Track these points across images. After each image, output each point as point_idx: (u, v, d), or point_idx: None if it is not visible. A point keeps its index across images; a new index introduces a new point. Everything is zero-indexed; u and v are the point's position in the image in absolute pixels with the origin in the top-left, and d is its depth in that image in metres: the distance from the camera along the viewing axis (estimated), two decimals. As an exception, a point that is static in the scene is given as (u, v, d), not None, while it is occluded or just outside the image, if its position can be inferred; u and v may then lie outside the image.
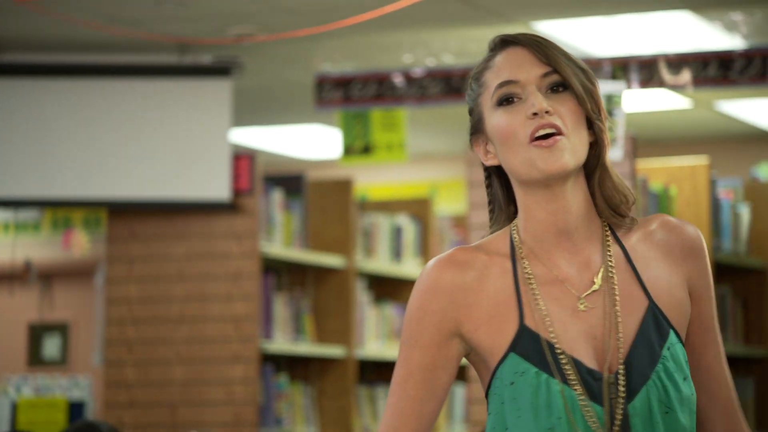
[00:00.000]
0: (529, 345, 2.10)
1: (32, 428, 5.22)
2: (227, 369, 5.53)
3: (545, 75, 2.09)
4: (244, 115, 7.53)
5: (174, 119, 5.65)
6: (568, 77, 2.09)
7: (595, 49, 6.56)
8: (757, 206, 7.05)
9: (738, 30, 6.22)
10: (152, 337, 5.61)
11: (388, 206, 7.10)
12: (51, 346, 5.48)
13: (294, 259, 6.01)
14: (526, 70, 2.10)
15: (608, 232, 2.13)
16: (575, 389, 2.06)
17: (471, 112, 2.17)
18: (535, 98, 2.07)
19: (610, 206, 2.12)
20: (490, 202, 2.21)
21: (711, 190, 6.10)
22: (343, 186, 6.33)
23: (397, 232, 6.91)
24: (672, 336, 2.08)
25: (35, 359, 5.33)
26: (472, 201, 6.63)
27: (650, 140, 8.40)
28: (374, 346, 6.67)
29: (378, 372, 6.99)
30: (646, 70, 5.91)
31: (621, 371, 2.07)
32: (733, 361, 7.12)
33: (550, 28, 6.14)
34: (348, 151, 6.44)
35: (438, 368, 2.13)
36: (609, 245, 2.12)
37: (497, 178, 2.18)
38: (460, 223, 7.41)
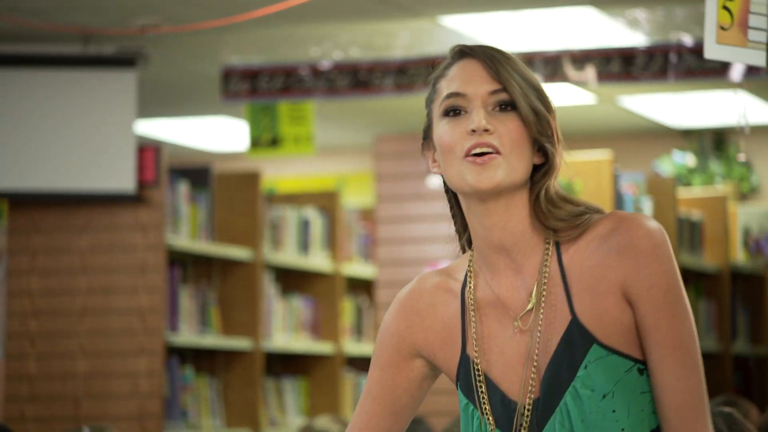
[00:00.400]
0: (466, 375, 2.12)
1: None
2: (132, 361, 5.50)
3: (493, 92, 2.09)
4: (149, 107, 7.47)
5: (78, 110, 5.60)
6: (516, 97, 2.08)
7: (500, 45, 6.60)
8: (658, 200, 7.16)
9: (640, 27, 6.32)
10: (55, 329, 5.55)
11: (295, 199, 7.10)
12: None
13: (200, 252, 5.99)
14: (475, 84, 2.09)
15: (549, 247, 2.10)
16: (489, 420, 2.08)
17: (426, 116, 2.17)
18: (476, 114, 2.06)
19: (547, 223, 2.09)
20: (455, 224, 2.21)
21: (614, 184, 6.19)
22: (250, 178, 6.32)
23: (304, 225, 6.92)
24: (595, 351, 2.04)
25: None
26: (379, 194, 6.66)
27: (555, 135, 8.48)
28: (281, 338, 6.68)
29: (285, 364, 6.99)
30: (551, 66, 5.98)
31: (536, 399, 2.06)
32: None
33: (455, 23, 6.18)
34: (255, 143, 6.43)
35: (397, 387, 2.17)
36: (547, 261, 2.10)
37: (456, 201, 2.18)
38: (367, 216, 7.44)
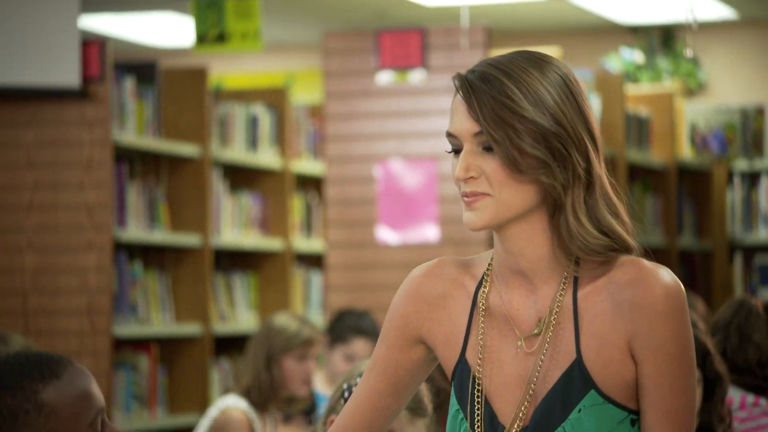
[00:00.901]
0: (462, 379, 2.10)
1: None
2: (80, 257, 5.49)
3: (476, 134, 2.03)
4: (94, 2, 7.37)
5: (20, 4, 5.51)
6: (493, 141, 2.01)
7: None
8: (607, 97, 7.19)
9: None
10: (1, 224, 5.52)
11: (243, 95, 7.05)
12: None
13: (147, 148, 5.95)
14: (461, 125, 2.04)
15: (567, 278, 2.06)
16: None
17: None
18: (459, 162, 2.03)
19: (569, 251, 2.04)
20: None
21: (562, 78, 6.20)
22: (197, 74, 6.27)
23: (252, 122, 6.89)
24: (592, 397, 2.02)
25: None
26: (328, 91, 6.63)
27: (504, 31, 8.47)
28: (230, 234, 6.68)
29: (234, 260, 7.01)
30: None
31: (526, 428, 2.04)
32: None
33: None
34: (201, 39, 6.37)
35: (400, 367, 2.16)
36: (563, 292, 2.06)
37: None
38: (316, 112, 7.41)
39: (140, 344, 6.01)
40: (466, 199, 2.04)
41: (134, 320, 5.85)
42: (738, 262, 8.00)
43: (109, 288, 5.48)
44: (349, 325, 5.55)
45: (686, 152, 8.33)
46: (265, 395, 4.92)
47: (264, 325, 5.10)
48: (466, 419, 2.07)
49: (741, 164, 8.06)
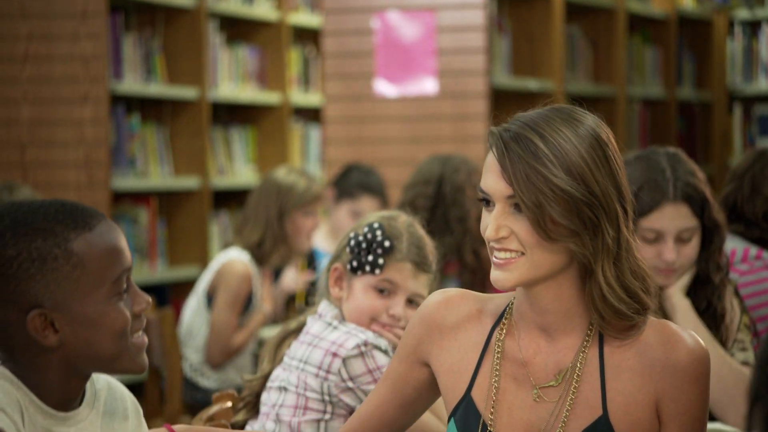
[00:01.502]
0: (467, 417, 2.10)
1: None
2: (76, 109, 5.46)
3: (509, 196, 2.03)
4: None
5: None
6: (524, 207, 2.00)
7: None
8: (607, -56, 7.07)
9: None
10: (-3, 76, 5.48)
11: (238, -54, 6.94)
12: None
13: (142, -2, 5.89)
14: (495, 185, 2.04)
15: (591, 332, 2.07)
16: None
17: None
18: (492, 222, 2.04)
19: (598, 311, 2.05)
20: None
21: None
22: (191, -77, 6.16)
23: (248, -27, 6.79)
24: None
25: None
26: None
27: None
28: (227, 87, 6.64)
29: (231, 114, 6.98)
30: None
31: None
32: (581, 100, 7.27)
33: None
34: None
35: (408, 384, 2.20)
36: (587, 345, 2.07)
37: None
38: (312, -36, 7.30)
39: (139, 197, 6.02)
40: (497, 260, 2.05)
41: (133, 173, 5.85)
42: (737, 112, 7.96)
43: (107, 140, 5.46)
44: (356, 182, 5.56)
45: (687, 1, 8.23)
46: (270, 249, 4.96)
47: (270, 181, 5.10)
48: None
49: (742, 13, 7.96)
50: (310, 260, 5.65)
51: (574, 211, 2.00)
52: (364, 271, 2.71)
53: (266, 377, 2.75)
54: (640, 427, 2.04)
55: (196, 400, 4.90)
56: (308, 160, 7.41)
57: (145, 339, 1.92)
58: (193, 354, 4.96)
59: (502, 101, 6.29)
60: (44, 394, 1.88)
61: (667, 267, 3.05)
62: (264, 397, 2.73)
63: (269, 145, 7.00)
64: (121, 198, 5.91)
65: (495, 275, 2.05)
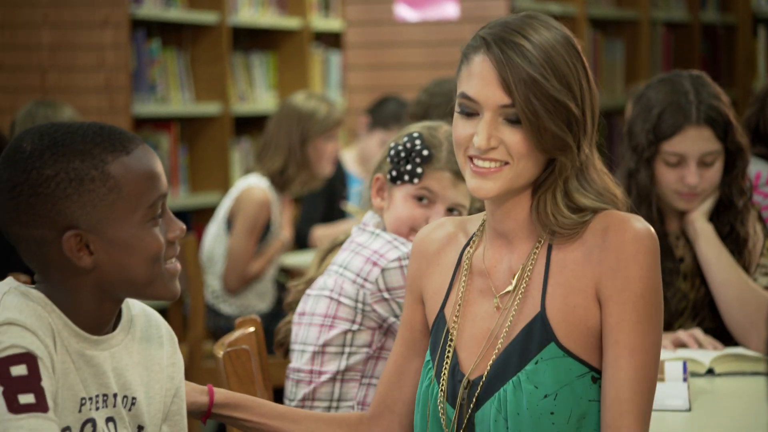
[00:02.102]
0: (437, 333, 2.13)
1: None
2: (97, 33, 5.43)
3: (504, 106, 2.01)
4: None
5: None
6: (525, 118, 2.00)
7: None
8: None
9: None
10: None
11: None
12: None
13: None
14: (488, 93, 2.02)
15: (544, 235, 2.08)
16: (441, 388, 2.09)
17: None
18: (482, 131, 2.01)
19: (549, 226, 2.06)
20: None
21: None
22: None
23: None
24: (551, 349, 2.03)
25: None
26: None
27: None
28: (248, 13, 6.60)
29: (252, 39, 6.95)
30: None
31: (483, 379, 2.06)
32: (604, 24, 7.22)
33: None
34: None
35: (414, 329, 2.20)
36: (537, 249, 2.08)
37: None
38: None
39: (160, 123, 6.01)
40: (478, 169, 2.03)
41: (153, 99, 5.84)
42: (762, 35, 7.88)
43: (127, 66, 5.44)
44: (391, 113, 5.55)
45: (711, -76, 8.12)
46: (292, 175, 4.96)
47: (290, 107, 5.08)
48: (434, 368, 2.11)
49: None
50: (342, 184, 5.65)
51: (565, 123, 2.02)
52: (403, 181, 2.71)
53: (309, 282, 2.77)
54: (575, 315, 2.03)
55: (218, 327, 4.93)
56: (329, 85, 7.38)
57: (178, 266, 1.94)
58: (214, 281, 4.98)
59: (524, 25, 6.23)
60: (77, 317, 1.89)
61: (689, 191, 3.04)
62: (293, 333, 2.74)
63: (290, 71, 6.97)
64: (142, 124, 5.91)
65: (476, 184, 2.04)
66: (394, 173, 2.72)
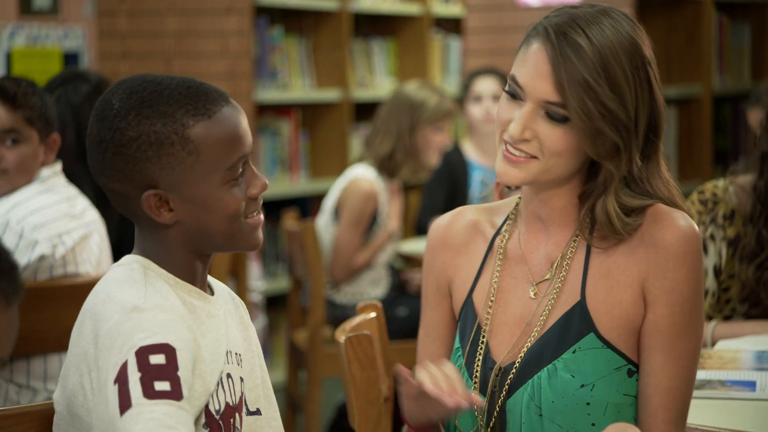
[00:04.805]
0: (466, 319, 2.10)
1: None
2: (221, 20, 5.48)
3: (551, 103, 1.98)
4: None
5: None
6: (576, 118, 1.96)
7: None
8: None
9: None
10: (143, -13, 5.53)
11: None
12: None
13: None
14: (536, 85, 1.99)
15: (584, 224, 2.05)
16: (474, 376, 2.05)
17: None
18: (519, 121, 1.99)
19: (595, 223, 2.04)
20: None
21: None
22: None
23: None
24: (590, 339, 2.00)
25: (27, 8, 5.26)
26: None
27: None
28: (368, -1, 6.61)
29: (373, 25, 6.95)
30: None
31: (516, 366, 2.03)
32: (731, 7, 7.07)
33: None
34: None
35: (449, 327, 2.16)
36: (577, 236, 2.05)
37: None
38: None
39: (282, 109, 6.04)
40: (509, 155, 2.00)
41: (275, 85, 5.88)
42: None
43: (250, 52, 5.49)
44: None
45: None
46: (400, 161, 4.95)
47: (402, 95, 5.08)
48: (464, 356, 2.08)
49: None
50: (464, 173, 5.63)
51: (617, 130, 1.98)
52: None
53: None
54: (620, 310, 2.01)
55: (335, 317, 4.94)
56: (448, 72, 7.36)
57: (261, 217, 1.94)
58: (326, 271, 5.00)
59: (648, 10, 6.14)
60: (180, 275, 1.92)
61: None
62: None
63: (409, 57, 6.96)
64: (264, 110, 5.95)
65: (503, 168, 2.02)
66: None
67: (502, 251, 2.10)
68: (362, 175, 4.91)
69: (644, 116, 2.00)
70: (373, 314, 2.63)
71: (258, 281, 5.53)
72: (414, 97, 5.04)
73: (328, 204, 5.01)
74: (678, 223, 2.01)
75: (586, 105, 1.95)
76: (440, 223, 2.17)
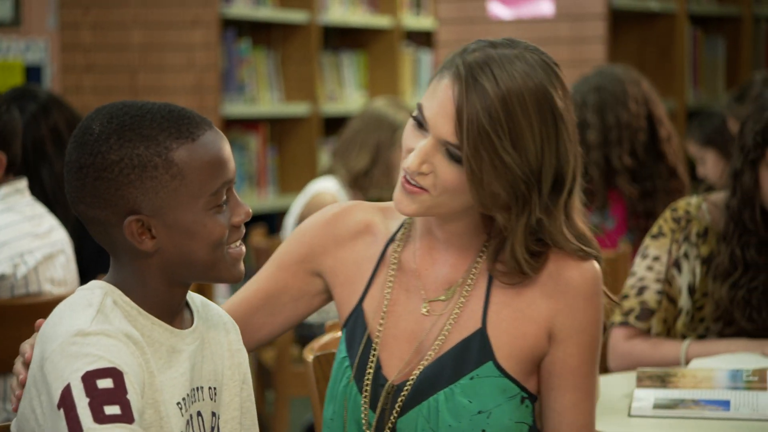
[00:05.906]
0: (355, 328, 2.09)
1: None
2: (187, 33, 5.41)
3: (450, 144, 1.96)
4: None
5: None
6: (467, 166, 1.94)
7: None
8: None
9: None
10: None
11: None
12: (3, 7, 5.33)
13: None
14: (440, 123, 1.97)
15: (483, 253, 2.05)
16: (364, 391, 2.05)
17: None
18: (417, 155, 1.97)
19: (499, 255, 2.03)
20: None
21: None
22: None
23: None
24: (488, 368, 2.01)
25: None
26: None
27: None
28: (338, 11, 6.54)
29: (342, 38, 6.89)
30: None
31: (409, 384, 2.03)
32: (705, 21, 7.05)
33: None
34: None
35: (285, 293, 2.15)
36: (478, 264, 2.05)
37: None
38: None
39: (250, 123, 5.97)
40: (406, 184, 2.00)
41: (242, 99, 5.80)
42: None
43: (217, 65, 5.41)
44: None
45: None
46: (375, 180, 4.87)
47: (379, 112, 4.99)
48: (352, 368, 2.07)
49: None
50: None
51: (510, 186, 1.97)
52: None
53: None
54: (522, 343, 2.02)
55: (303, 335, 4.86)
56: (419, 85, 7.30)
57: (243, 249, 1.90)
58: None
59: (621, 23, 6.10)
60: (149, 302, 1.87)
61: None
62: None
63: (380, 71, 6.90)
64: (231, 124, 5.87)
65: (398, 197, 2.02)
66: None
67: (395, 260, 2.09)
68: (324, 189, 4.82)
69: (550, 171, 1.98)
70: (341, 333, 2.60)
71: (225, 299, 5.43)
72: (394, 116, 4.95)
73: (290, 220, 4.92)
74: (590, 264, 2.03)
75: (480, 155, 1.94)
76: (334, 208, 2.16)
